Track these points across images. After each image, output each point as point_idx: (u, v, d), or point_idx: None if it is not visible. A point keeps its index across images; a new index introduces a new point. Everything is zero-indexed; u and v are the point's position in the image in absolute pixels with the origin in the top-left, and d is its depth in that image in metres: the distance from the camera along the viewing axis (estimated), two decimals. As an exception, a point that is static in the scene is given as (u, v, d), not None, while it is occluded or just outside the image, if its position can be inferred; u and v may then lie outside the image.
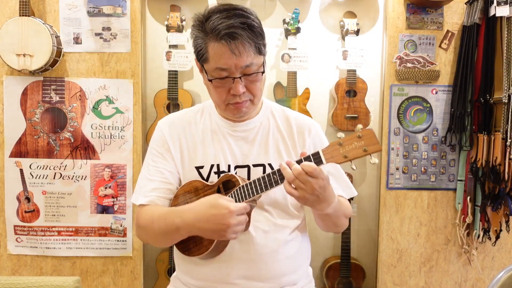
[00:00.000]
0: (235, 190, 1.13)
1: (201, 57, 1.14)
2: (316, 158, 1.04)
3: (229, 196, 1.13)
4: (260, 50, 1.13)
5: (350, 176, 2.33)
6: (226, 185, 1.17)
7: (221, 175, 1.21)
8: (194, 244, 1.19)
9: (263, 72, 1.16)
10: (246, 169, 1.24)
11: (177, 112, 1.36)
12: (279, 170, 1.07)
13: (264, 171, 1.24)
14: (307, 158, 1.04)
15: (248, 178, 1.24)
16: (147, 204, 1.23)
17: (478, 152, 2.14)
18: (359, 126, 1.02)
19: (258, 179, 1.10)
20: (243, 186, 1.11)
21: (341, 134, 1.05)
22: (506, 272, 1.16)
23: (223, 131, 1.26)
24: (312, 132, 1.30)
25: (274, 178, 1.08)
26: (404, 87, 2.26)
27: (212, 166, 1.23)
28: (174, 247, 1.27)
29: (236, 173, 1.23)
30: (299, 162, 1.04)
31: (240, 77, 1.12)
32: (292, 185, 1.04)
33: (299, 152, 1.27)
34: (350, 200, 1.35)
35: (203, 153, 1.25)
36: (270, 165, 1.24)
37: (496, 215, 2.18)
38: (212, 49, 1.10)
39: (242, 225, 1.09)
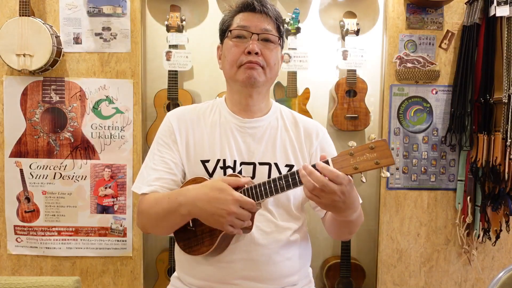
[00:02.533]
0: (240, 191, 1.11)
1: (225, 27, 1.26)
2: None
3: None
4: (279, 30, 1.24)
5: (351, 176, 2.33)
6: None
7: (228, 173, 1.21)
8: (196, 243, 1.18)
9: (279, 39, 1.24)
10: (251, 166, 1.23)
11: (187, 106, 1.37)
12: (286, 176, 1.05)
13: (269, 170, 1.23)
14: (315, 167, 1.01)
15: (253, 175, 1.23)
16: (150, 193, 1.22)
17: (478, 152, 2.14)
18: (372, 135, 0.98)
19: (264, 184, 1.08)
20: (247, 188, 1.10)
21: (352, 143, 0.99)
22: (506, 272, 1.16)
23: (232, 126, 1.27)
24: (319, 136, 1.31)
25: (280, 184, 1.06)
26: (404, 87, 2.26)
27: (218, 160, 1.23)
28: (176, 245, 1.27)
29: (241, 170, 1.23)
30: (313, 166, 1.00)
31: (258, 36, 1.20)
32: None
33: (305, 154, 1.28)
34: None
35: (209, 147, 1.25)
36: (276, 164, 1.24)
37: (496, 215, 2.18)
38: (237, 16, 1.23)
39: (243, 219, 1.06)
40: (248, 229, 1.13)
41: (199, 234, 1.18)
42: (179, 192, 1.15)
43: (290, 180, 1.05)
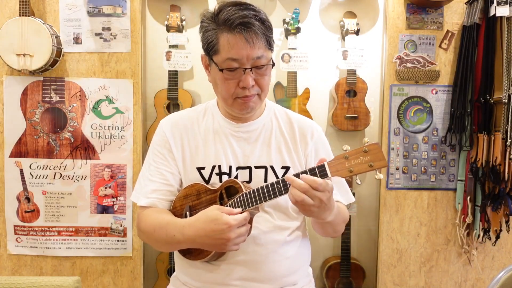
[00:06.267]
0: (237, 197, 1.12)
1: (211, 49, 1.14)
2: (322, 171, 1.03)
3: (231, 202, 1.13)
4: (270, 44, 1.15)
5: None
6: (228, 191, 1.17)
7: (224, 179, 1.20)
8: (195, 249, 1.18)
9: (273, 65, 1.17)
10: (247, 170, 1.23)
11: (179, 112, 1.35)
12: (283, 180, 1.06)
13: (266, 173, 1.23)
14: (312, 171, 1.03)
15: (250, 179, 1.23)
16: (147, 206, 1.24)
17: (478, 152, 2.14)
18: (366, 139, 1.01)
19: (262, 188, 1.08)
20: (245, 193, 1.10)
21: (346, 147, 1.03)
22: (506, 272, 1.16)
23: (226, 131, 1.26)
24: (314, 136, 1.30)
25: (278, 188, 1.07)
26: (404, 87, 2.26)
27: (213, 167, 1.23)
28: None
29: (237, 175, 1.22)
30: (303, 173, 1.03)
31: (251, 69, 1.12)
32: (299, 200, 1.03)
33: (301, 155, 1.27)
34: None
35: (204, 153, 1.24)
36: (272, 167, 1.24)
37: (496, 215, 2.18)
38: (224, 40, 1.10)
39: (243, 236, 1.08)
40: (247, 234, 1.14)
41: None
42: (175, 227, 1.13)
43: (281, 186, 1.06)
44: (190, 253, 1.20)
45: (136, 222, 1.32)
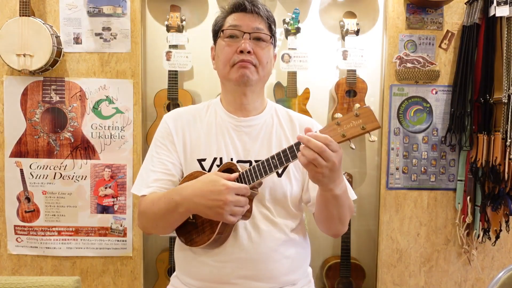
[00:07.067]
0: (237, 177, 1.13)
1: (218, 27, 1.29)
2: None
3: None
4: (271, 29, 1.25)
5: (350, 175, 2.33)
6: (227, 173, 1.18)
7: (222, 164, 1.23)
8: (197, 234, 1.19)
9: (271, 37, 1.26)
10: (248, 164, 1.25)
11: (183, 107, 1.39)
12: (278, 154, 1.07)
13: None
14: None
15: None
16: (148, 194, 1.24)
17: (478, 152, 2.14)
18: (357, 105, 1.01)
19: (257, 165, 1.10)
20: (243, 172, 1.12)
21: (338, 114, 1.04)
22: (506, 272, 1.16)
23: (227, 125, 1.29)
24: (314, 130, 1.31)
25: (274, 162, 1.08)
26: (404, 87, 2.26)
27: (214, 159, 1.25)
28: (176, 245, 1.27)
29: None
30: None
31: (249, 34, 1.22)
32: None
33: None
34: None
35: (206, 146, 1.27)
36: None
37: (496, 215, 2.18)
38: (230, 17, 1.26)
39: (241, 206, 1.08)
40: (246, 216, 1.15)
41: (200, 225, 1.19)
42: (175, 191, 1.16)
43: (282, 156, 1.07)
44: (191, 240, 1.21)
45: (137, 211, 1.33)
